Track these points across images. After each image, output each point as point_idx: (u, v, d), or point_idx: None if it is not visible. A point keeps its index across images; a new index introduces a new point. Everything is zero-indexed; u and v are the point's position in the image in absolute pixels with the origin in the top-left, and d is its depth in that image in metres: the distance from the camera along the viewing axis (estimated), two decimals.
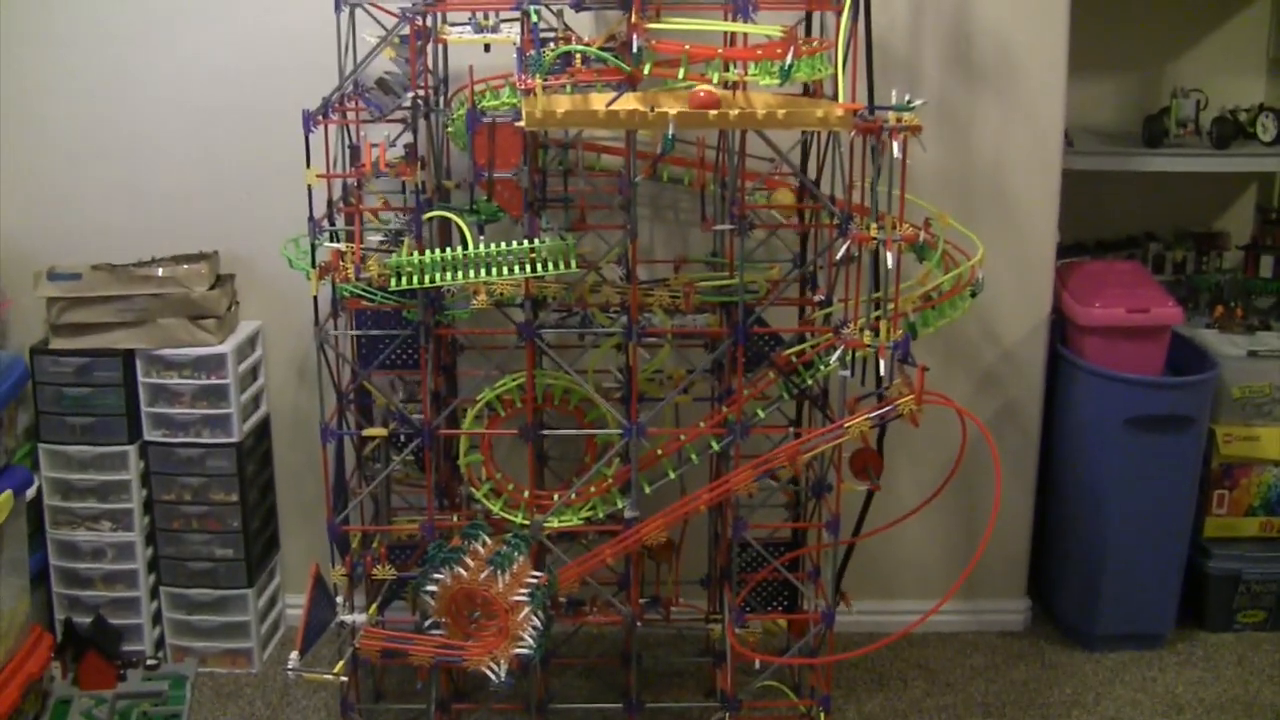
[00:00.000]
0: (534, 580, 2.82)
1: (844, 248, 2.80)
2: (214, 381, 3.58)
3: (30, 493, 3.45)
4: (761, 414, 3.02)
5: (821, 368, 3.03)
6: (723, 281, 3.20)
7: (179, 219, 3.72)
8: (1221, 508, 3.95)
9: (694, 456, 3.04)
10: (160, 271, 3.55)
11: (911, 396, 2.79)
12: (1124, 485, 3.72)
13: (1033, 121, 3.65)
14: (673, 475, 3.00)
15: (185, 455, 3.64)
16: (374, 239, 3.01)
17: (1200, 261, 4.40)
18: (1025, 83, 3.62)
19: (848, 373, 2.85)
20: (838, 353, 2.83)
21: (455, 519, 3.23)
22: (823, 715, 3.16)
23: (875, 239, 2.75)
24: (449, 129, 3.25)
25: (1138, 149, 4.13)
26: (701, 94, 2.56)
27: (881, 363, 2.79)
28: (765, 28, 2.75)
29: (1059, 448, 3.92)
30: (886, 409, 2.82)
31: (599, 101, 2.67)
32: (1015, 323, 3.80)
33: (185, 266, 3.56)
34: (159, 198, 3.72)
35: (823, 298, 3.16)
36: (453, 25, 3.02)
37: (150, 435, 3.63)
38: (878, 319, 2.82)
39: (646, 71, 2.76)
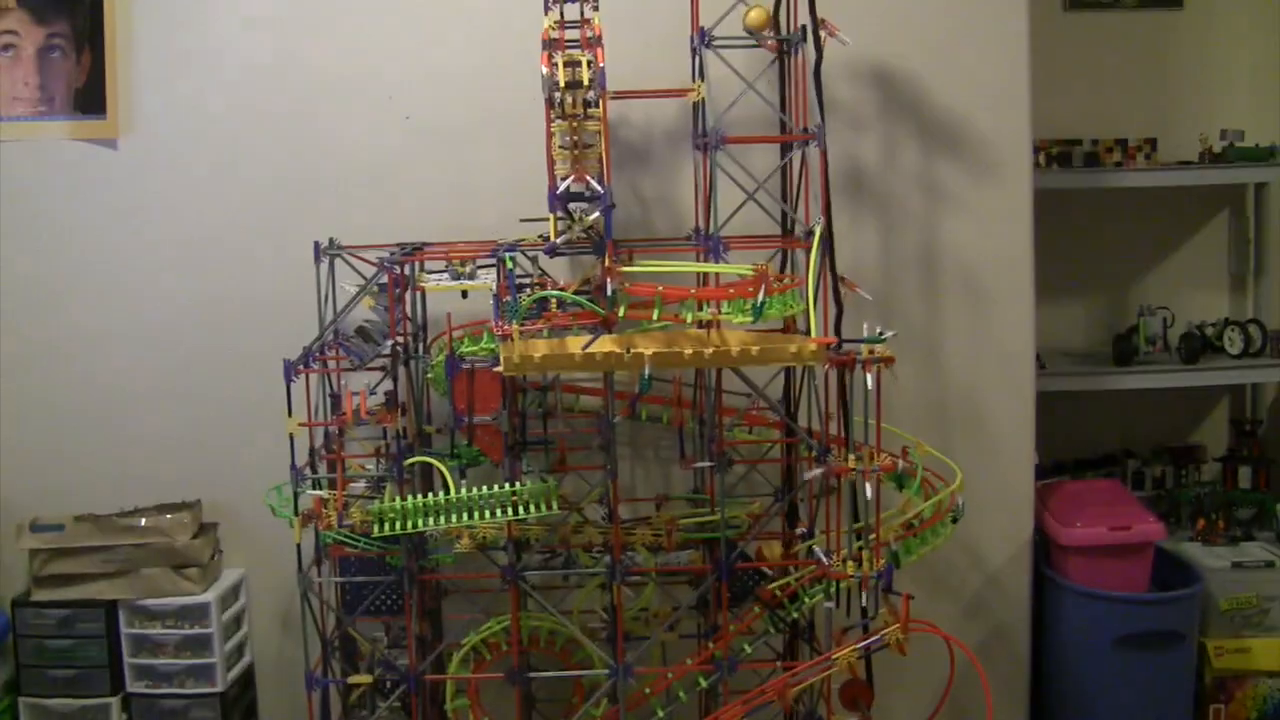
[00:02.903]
0: None
1: (814, 473, 2.83)
2: (197, 631, 3.55)
3: None
4: (748, 649, 3.01)
5: (806, 600, 3.03)
6: (705, 518, 3.21)
7: (161, 468, 3.73)
8: None
9: (682, 694, 3.01)
10: (143, 521, 3.56)
11: (897, 626, 2.78)
12: (1117, 704, 3.67)
13: (1004, 346, 3.71)
14: (661, 714, 2.97)
15: (169, 706, 3.58)
16: (356, 485, 3.03)
17: (1179, 475, 4.42)
18: (995, 308, 3.69)
19: (832, 604, 2.85)
20: (822, 585, 2.84)
21: None
22: None
23: (854, 470, 2.77)
24: (429, 375, 3.30)
25: (1109, 368, 4.19)
26: None
27: (864, 593, 2.80)
28: (736, 267, 2.81)
29: (1050, 669, 3.88)
30: (873, 639, 2.81)
31: (576, 344, 2.72)
32: (998, 546, 3.80)
33: (168, 516, 3.57)
34: (141, 447, 3.74)
35: (805, 530, 3.17)
36: (430, 273, 3.09)
37: (133, 687, 3.58)
38: (860, 549, 2.83)
39: (621, 314, 2.82)
